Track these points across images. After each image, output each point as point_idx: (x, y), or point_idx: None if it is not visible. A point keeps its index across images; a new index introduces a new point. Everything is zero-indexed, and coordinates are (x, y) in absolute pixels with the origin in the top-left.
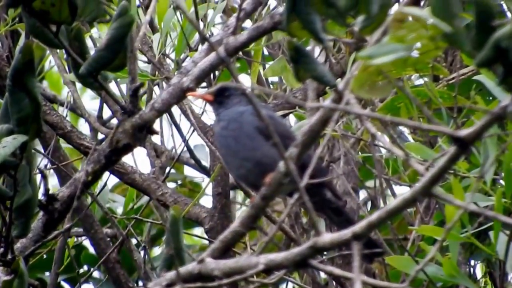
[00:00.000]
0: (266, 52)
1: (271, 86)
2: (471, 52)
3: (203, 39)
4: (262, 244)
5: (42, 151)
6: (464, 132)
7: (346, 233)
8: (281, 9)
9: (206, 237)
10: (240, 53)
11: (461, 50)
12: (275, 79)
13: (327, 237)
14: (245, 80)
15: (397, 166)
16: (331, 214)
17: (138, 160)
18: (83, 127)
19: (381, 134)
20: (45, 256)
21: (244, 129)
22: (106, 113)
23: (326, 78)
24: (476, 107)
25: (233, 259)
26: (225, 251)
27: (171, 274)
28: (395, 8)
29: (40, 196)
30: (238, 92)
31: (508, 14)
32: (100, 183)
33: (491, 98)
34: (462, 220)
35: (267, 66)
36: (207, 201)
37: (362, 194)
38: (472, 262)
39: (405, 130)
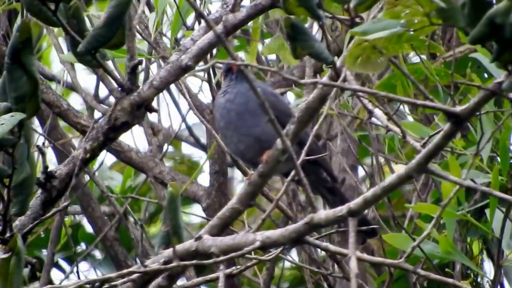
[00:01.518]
0: (264, 30)
1: (270, 64)
2: (465, 28)
3: (199, 16)
4: (259, 222)
5: (40, 129)
6: (459, 108)
7: (342, 209)
8: None
9: (204, 215)
10: (239, 31)
11: (456, 26)
12: (274, 57)
13: (322, 213)
14: (244, 58)
15: (393, 144)
16: (326, 193)
17: (136, 138)
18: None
19: (378, 111)
20: (43, 234)
21: (249, 104)
22: (103, 91)
23: (324, 55)
24: (472, 84)
25: (230, 236)
26: (223, 229)
27: (168, 251)
28: None
29: (39, 174)
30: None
31: None
32: (98, 161)
33: (487, 75)
34: (458, 197)
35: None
36: (204, 179)
37: (361, 172)
38: (469, 239)
39: (404, 109)
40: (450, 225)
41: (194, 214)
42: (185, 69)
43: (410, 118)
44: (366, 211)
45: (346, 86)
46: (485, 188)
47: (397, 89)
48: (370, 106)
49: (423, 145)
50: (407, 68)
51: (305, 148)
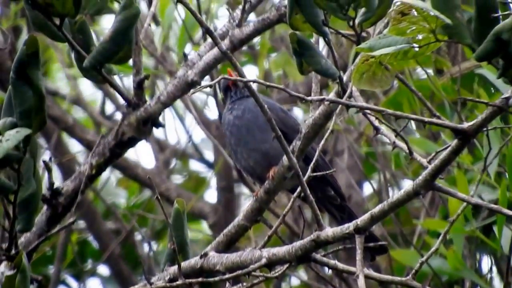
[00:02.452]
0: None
1: (275, 80)
2: (471, 45)
3: (206, 31)
4: (265, 239)
5: (44, 144)
6: (466, 125)
7: (348, 226)
8: (286, 1)
9: (210, 231)
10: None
11: (462, 43)
12: (279, 72)
13: (329, 230)
14: (250, 73)
15: (399, 161)
16: (334, 211)
17: (142, 154)
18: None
19: (384, 128)
20: (49, 251)
21: (258, 120)
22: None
23: (330, 71)
24: (479, 100)
25: (235, 253)
26: (229, 245)
27: (173, 269)
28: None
29: (44, 190)
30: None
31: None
32: (103, 178)
33: (494, 90)
34: (465, 214)
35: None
36: (211, 196)
37: (366, 188)
38: (478, 256)
39: (411, 125)
40: (458, 241)
41: (200, 231)
42: (192, 85)
43: (417, 135)
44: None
45: (353, 103)
46: (494, 206)
47: (404, 105)
48: (376, 123)
49: (430, 162)
50: (414, 84)
51: (311, 164)
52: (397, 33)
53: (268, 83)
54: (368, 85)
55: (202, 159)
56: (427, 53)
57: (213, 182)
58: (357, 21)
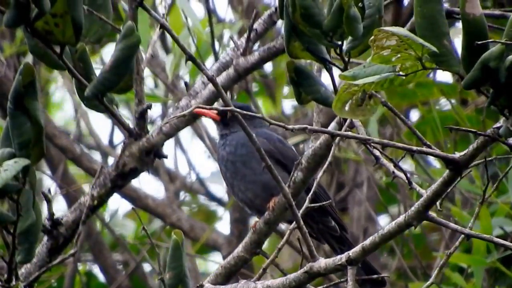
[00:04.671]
0: None
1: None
2: (460, 73)
3: (189, 57)
4: (260, 271)
5: (50, 174)
6: (457, 155)
7: (341, 257)
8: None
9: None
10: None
11: (450, 71)
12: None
13: (322, 262)
14: (262, 102)
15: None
16: (334, 243)
17: (150, 184)
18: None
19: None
20: (55, 283)
21: (254, 153)
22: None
23: (330, 100)
24: (468, 130)
25: (231, 285)
26: (228, 277)
27: None
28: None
29: (45, 220)
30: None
31: None
32: (112, 208)
33: None
34: (488, 245)
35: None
36: (223, 226)
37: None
38: None
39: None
40: (478, 273)
41: (212, 260)
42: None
43: (437, 165)
44: (390, 260)
45: (338, 132)
46: (486, 236)
47: (427, 135)
48: (377, 152)
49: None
50: (438, 115)
51: (309, 195)
52: (381, 61)
53: (246, 112)
54: (350, 114)
55: (208, 194)
56: (414, 82)
57: (223, 214)
58: (344, 48)
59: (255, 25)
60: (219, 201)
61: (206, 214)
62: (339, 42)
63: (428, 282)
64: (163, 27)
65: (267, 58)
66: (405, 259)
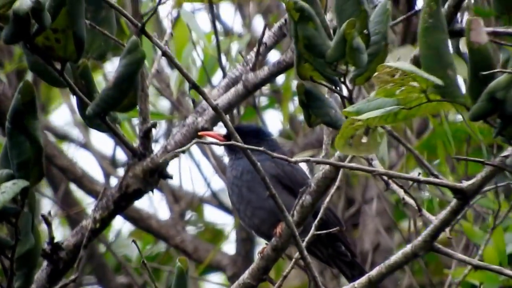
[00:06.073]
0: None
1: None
2: (466, 104)
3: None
4: None
5: (51, 196)
6: (464, 184)
7: None
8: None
9: (228, 283)
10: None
11: (455, 102)
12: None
13: None
14: (273, 116)
15: (432, 206)
16: (345, 268)
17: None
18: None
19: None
20: None
21: (259, 177)
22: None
23: (340, 123)
24: (475, 160)
25: None
26: None
27: None
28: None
29: (44, 244)
30: (254, 140)
31: None
32: (115, 229)
33: None
34: (501, 261)
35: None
36: (228, 247)
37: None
38: None
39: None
40: None
41: (216, 283)
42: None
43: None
44: (401, 277)
45: (341, 164)
46: (495, 267)
47: (438, 148)
48: (385, 177)
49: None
50: (450, 127)
51: (315, 222)
52: (385, 95)
53: (247, 146)
54: (354, 151)
55: (221, 206)
56: (419, 115)
57: (230, 232)
58: (350, 76)
59: (265, 38)
60: (229, 210)
61: (212, 233)
62: (344, 70)
63: None
64: (165, 55)
65: (277, 73)
66: (416, 276)
